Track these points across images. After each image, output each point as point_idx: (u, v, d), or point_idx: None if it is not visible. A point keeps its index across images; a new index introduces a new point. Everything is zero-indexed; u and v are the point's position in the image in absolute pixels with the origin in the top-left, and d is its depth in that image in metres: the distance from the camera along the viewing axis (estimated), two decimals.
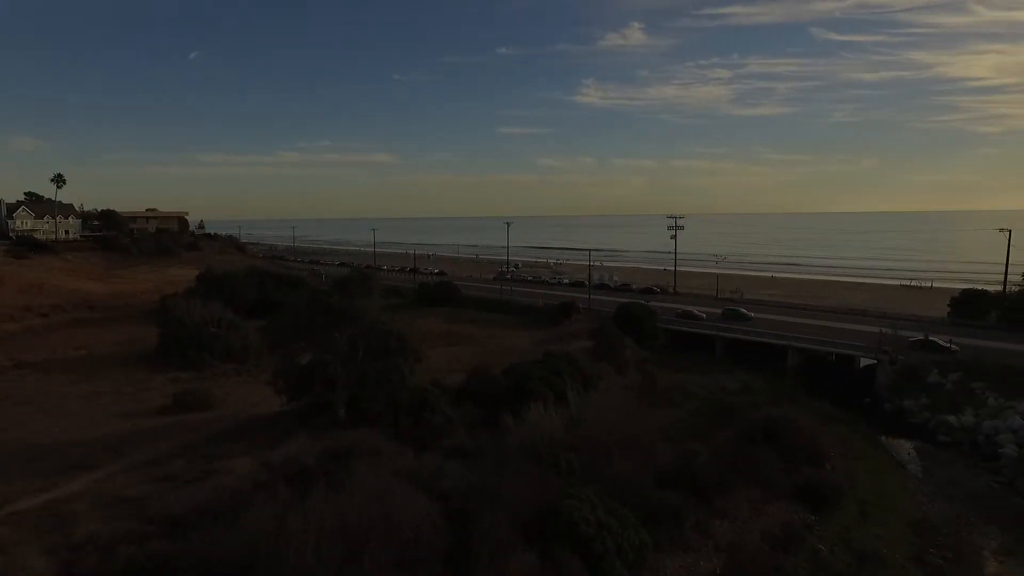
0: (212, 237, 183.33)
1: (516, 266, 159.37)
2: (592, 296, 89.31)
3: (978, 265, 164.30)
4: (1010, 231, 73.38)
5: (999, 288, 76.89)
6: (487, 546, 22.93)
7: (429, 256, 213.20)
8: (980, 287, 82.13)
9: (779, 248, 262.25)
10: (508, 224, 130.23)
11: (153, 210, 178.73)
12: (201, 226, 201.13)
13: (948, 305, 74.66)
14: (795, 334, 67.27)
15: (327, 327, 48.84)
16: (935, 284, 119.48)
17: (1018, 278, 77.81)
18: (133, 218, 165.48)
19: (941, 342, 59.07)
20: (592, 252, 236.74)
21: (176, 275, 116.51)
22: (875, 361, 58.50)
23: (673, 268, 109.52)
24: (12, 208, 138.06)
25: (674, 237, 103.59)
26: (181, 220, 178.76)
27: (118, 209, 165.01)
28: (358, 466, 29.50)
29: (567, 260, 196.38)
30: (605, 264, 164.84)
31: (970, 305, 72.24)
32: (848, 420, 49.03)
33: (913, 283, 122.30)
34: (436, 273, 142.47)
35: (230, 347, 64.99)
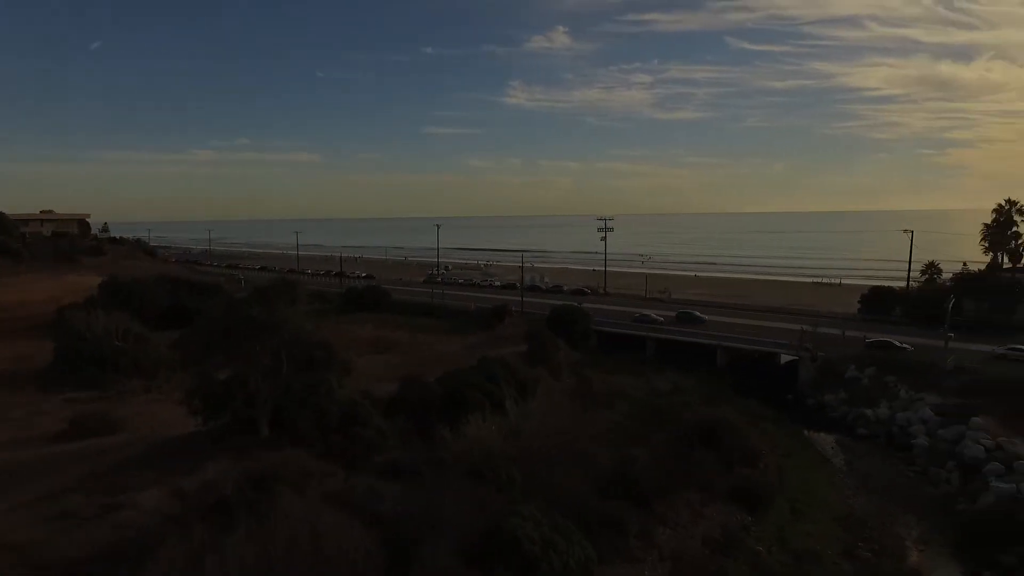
0: (118, 241, 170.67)
1: (447, 268, 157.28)
2: (524, 299, 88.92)
3: (880, 263, 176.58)
4: (912, 232, 78.48)
5: (902, 284, 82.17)
6: None
7: (356, 259, 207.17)
8: (885, 284, 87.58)
9: (700, 247, 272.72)
10: (438, 226, 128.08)
11: (49, 212, 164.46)
12: (105, 229, 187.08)
13: (859, 302, 78.99)
14: (723, 333, 69.25)
15: (247, 338, 45.68)
16: (843, 281, 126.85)
17: (916, 275, 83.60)
18: (25, 221, 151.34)
19: (897, 343, 58.87)
20: (523, 254, 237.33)
21: (75, 283, 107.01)
22: (795, 357, 60.95)
23: (603, 268, 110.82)
24: None
25: (604, 239, 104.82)
26: (82, 223, 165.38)
27: (6, 211, 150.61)
28: (284, 492, 27.33)
29: (498, 262, 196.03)
30: (536, 265, 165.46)
31: (878, 302, 76.71)
32: (774, 418, 50.63)
33: (824, 280, 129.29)
34: (363, 277, 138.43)
35: (138, 362, 59.79)
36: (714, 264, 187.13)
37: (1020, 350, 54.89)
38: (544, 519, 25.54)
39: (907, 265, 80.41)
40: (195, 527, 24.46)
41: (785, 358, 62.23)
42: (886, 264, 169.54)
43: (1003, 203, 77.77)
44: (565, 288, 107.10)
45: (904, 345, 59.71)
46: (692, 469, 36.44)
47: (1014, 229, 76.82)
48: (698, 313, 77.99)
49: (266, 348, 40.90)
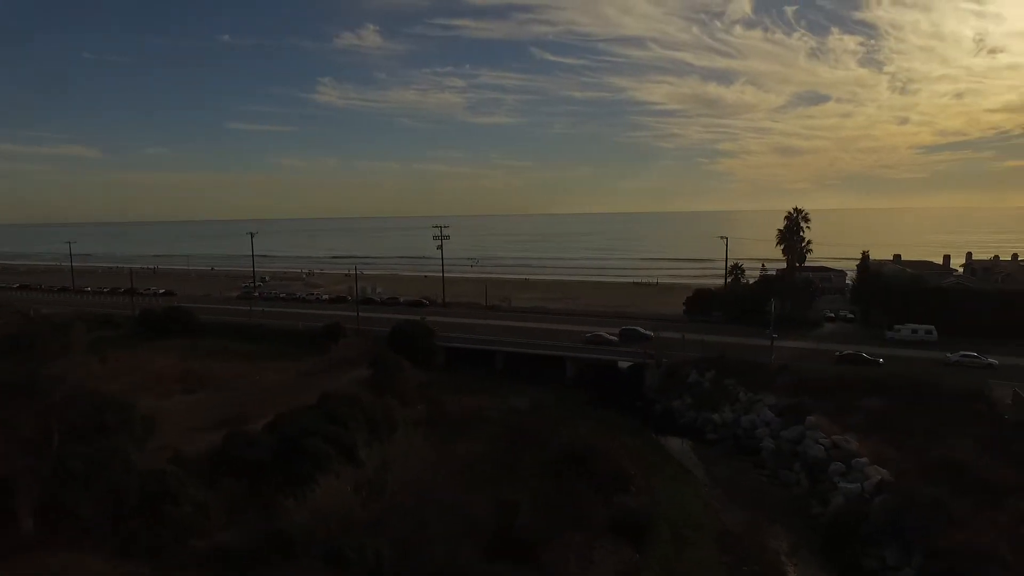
0: None
1: (263, 280, 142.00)
2: (360, 313, 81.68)
3: (683, 262, 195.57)
4: (727, 238, 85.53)
5: (704, 282, 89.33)
6: None
7: (152, 271, 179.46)
8: (688, 282, 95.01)
9: (523, 249, 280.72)
10: (252, 234, 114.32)
11: None
12: None
13: (683, 304, 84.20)
14: (568, 341, 69.05)
15: None
16: (659, 280, 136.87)
17: (729, 277, 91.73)
18: None
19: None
20: (344, 259, 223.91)
21: None
22: (633, 363, 62.25)
23: (441, 276, 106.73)
24: None
25: (440, 248, 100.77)
26: None
27: None
28: None
29: (321, 270, 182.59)
30: (365, 272, 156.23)
31: (700, 303, 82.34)
32: (631, 429, 50.64)
33: (642, 281, 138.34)
34: (162, 293, 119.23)
35: None
36: (541, 267, 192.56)
37: (973, 356, 55.20)
38: None
39: (701, 262, 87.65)
40: None
41: (624, 364, 63.26)
42: (689, 263, 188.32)
43: (792, 211, 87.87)
44: (402, 299, 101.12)
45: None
46: (570, 503, 34.10)
47: (801, 234, 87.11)
48: (642, 330, 70.76)
49: (28, 414, 30.77)
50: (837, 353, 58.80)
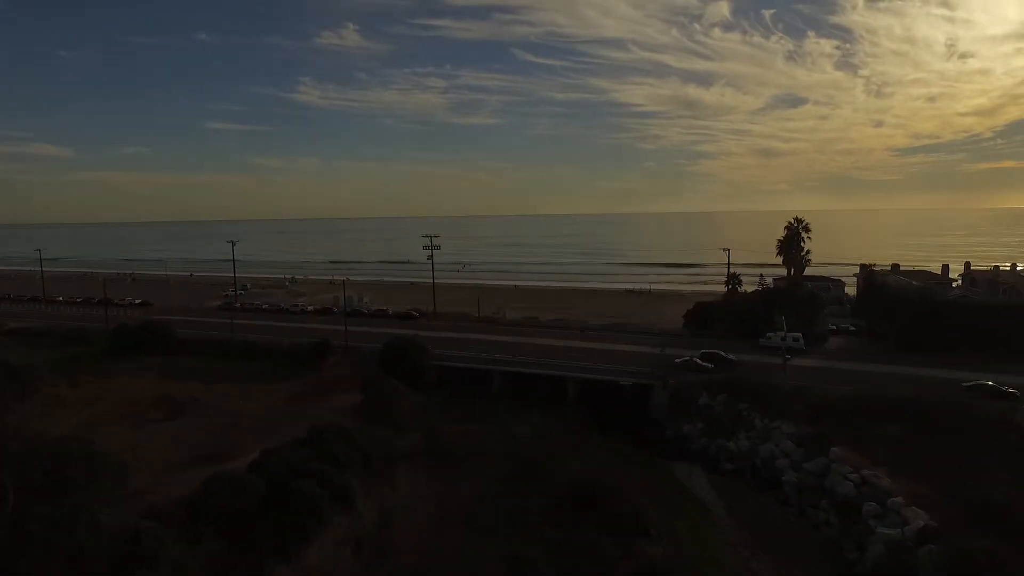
0: None
1: (245, 287, 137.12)
2: (348, 327, 77.95)
3: (675, 268, 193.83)
4: (728, 250, 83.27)
5: (695, 289, 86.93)
6: None
7: (127, 278, 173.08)
8: (692, 290, 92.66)
9: (507, 253, 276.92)
10: (233, 242, 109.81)
11: None
12: None
13: (683, 317, 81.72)
14: (568, 359, 66.16)
15: None
16: (652, 287, 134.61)
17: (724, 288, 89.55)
18: None
19: (723, 353, 59.18)
20: (328, 265, 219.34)
21: None
22: (637, 383, 59.45)
23: (432, 284, 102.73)
24: None
25: (431, 257, 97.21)
26: None
27: None
28: None
29: (305, 275, 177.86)
30: (350, 279, 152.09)
31: (701, 316, 79.92)
32: (643, 459, 47.76)
33: (635, 288, 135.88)
34: (138, 304, 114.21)
35: None
36: (530, 272, 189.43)
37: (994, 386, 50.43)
38: None
39: (692, 268, 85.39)
40: None
41: (626, 381, 60.46)
42: (681, 270, 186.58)
43: (792, 221, 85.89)
44: (390, 311, 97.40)
45: (730, 356, 61.85)
46: (588, 555, 31.19)
47: (801, 244, 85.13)
48: (724, 353, 64.03)
49: None
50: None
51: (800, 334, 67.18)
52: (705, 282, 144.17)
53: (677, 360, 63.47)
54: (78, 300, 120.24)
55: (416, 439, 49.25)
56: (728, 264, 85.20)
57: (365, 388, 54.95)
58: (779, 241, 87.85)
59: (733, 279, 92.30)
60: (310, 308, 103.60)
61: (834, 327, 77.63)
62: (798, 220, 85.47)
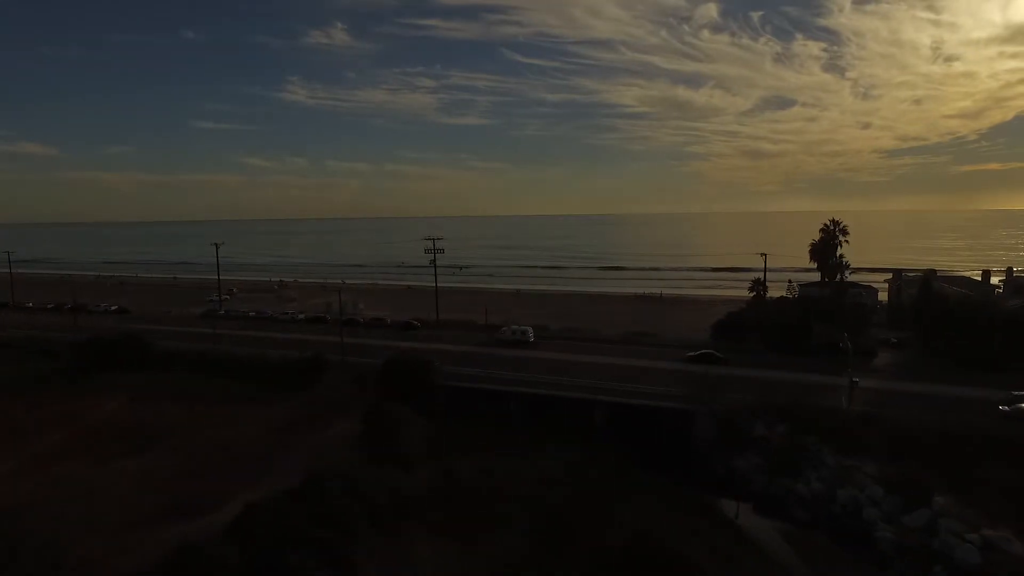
0: None
1: (231, 291, 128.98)
2: (344, 339, 70.28)
3: (685, 271, 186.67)
4: (765, 255, 76.42)
5: (709, 294, 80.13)
6: None
7: (106, 280, 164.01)
8: (705, 295, 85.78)
9: (507, 255, 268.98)
10: (217, 244, 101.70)
11: None
12: None
13: (712, 328, 74.73)
14: (588, 380, 58.95)
15: None
16: (663, 292, 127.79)
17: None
18: None
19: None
20: (319, 267, 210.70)
21: None
22: (670, 407, 52.42)
23: (423, 284, 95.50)
24: None
25: (433, 262, 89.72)
26: None
27: None
28: None
29: (296, 278, 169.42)
30: (346, 282, 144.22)
31: (731, 327, 72.93)
32: (694, 504, 40.76)
33: (645, 293, 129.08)
34: (114, 311, 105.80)
35: None
36: (532, 276, 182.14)
37: None
38: None
39: (703, 272, 78.69)
40: None
41: (664, 405, 53.45)
42: (692, 274, 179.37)
43: (828, 223, 79.25)
44: (389, 320, 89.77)
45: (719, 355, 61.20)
46: None
47: (839, 249, 78.41)
48: (716, 353, 64.75)
49: None
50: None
51: (529, 328, 68.95)
52: (720, 288, 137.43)
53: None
54: (50, 306, 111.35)
55: (427, 481, 41.90)
56: (764, 273, 78.14)
57: (367, 416, 47.41)
58: (812, 244, 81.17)
59: (757, 285, 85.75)
60: (301, 316, 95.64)
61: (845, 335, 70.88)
62: (835, 222, 78.84)
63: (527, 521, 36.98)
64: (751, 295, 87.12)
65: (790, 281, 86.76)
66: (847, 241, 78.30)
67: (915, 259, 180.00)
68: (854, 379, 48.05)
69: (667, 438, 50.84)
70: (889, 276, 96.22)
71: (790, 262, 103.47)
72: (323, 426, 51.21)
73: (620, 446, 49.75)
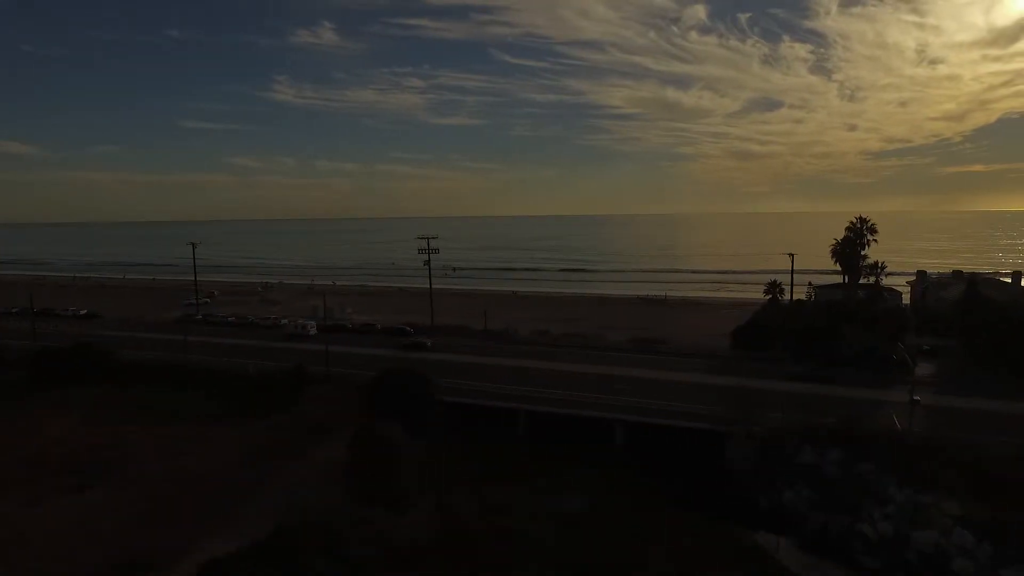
0: None
1: (212, 294, 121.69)
2: (330, 347, 63.45)
3: (686, 274, 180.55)
4: (792, 255, 70.60)
5: (714, 296, 74.45)
6: None
7: (79, 281, 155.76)
8: (710, 297, 79.96)
9: (496, 255, 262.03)
10: (194, 244, 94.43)
11: None
12: None
13: (731, 335, 68.66)
14: (604, 396, 52.69)
15: None
16: (668, 295, 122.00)
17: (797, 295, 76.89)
18: None
19: None
20: (305, 269, 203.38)
21: None
22: (700, 428, 46.19)
23: (416, 287, 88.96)
24: None
25: (427, 262, 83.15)
26: None
27: None
28: None
29: (282, 280, 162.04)
30: (337, 283, 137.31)
31: (752, 334, 66.85)
32: (740, 547, 34.56)
33: (649, 295, 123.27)
34: (82, 315, 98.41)
35: None
36: (528, 278, 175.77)
37: None
38: None
39: (704, 275, 72.90)
40: None
41: (695, 426, 47.10)
42: (694, 276, 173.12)
43: (855, 220, 73.63)
44: (379, 326, 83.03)
45: None
46: None
47: (866, 250, 72.70)
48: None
49: None
50: None
51: (314, 322, 57.79)
52: (724, 290, 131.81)
53: None
54: (14, 310, 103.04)
55: (424, 524, 35.37)
56: (792, 276, 72.08)
57: (354, 441, 40.75)
58: (834, 244, 75.50)
59: (772, 287, 79.98)
60: (284, 322, 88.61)
61: (900, 345, 65.23)
62: (862, 220, 73.29)
63: (543, 571, 30.66)
64: (766, 297, 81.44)
65: (810, 283, 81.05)
66: (875, 240, 72.55)
67: (915, 260, 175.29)
68: (915, 396, 41.99)
69: (697, 463, 44.65)
70: (912, 278, 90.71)
71: (797, 263, 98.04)
72: (303, 452, 44.53)
73: (645, 472, 43.54)
